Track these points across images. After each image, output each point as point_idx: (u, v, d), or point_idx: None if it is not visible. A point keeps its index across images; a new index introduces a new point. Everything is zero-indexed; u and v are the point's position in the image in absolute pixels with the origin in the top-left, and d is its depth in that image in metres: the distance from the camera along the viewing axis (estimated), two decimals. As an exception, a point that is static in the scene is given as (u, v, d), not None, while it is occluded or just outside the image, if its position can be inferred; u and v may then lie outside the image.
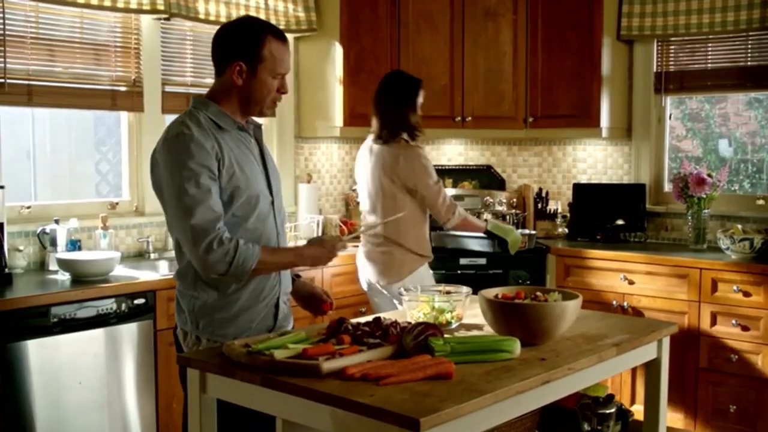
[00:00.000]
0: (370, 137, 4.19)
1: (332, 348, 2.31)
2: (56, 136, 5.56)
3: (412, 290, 2.95)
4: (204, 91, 4.54)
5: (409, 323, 2.54)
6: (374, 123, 4.15)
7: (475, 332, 2.74)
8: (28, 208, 4.12)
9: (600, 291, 4.83)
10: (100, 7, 4.17)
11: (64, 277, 3.78)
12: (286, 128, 5.31)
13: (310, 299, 2.91)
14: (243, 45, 2.60)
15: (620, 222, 5.27)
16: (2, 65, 3.92)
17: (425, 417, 1.90)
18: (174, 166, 2.50)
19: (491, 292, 2.70)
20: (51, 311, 3.44)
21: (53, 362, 3.47)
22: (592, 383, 2.65)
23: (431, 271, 4.16)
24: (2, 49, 3.91)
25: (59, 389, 3.49)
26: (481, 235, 4.44)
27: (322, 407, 2.09)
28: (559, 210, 5.56)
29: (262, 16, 4.87)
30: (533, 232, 5.11)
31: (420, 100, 4.17)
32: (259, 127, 2.79)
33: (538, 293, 2.69)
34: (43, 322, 3.42)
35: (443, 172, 5.81)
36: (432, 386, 2.12)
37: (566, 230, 5.43)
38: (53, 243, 3.98)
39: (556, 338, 2.60)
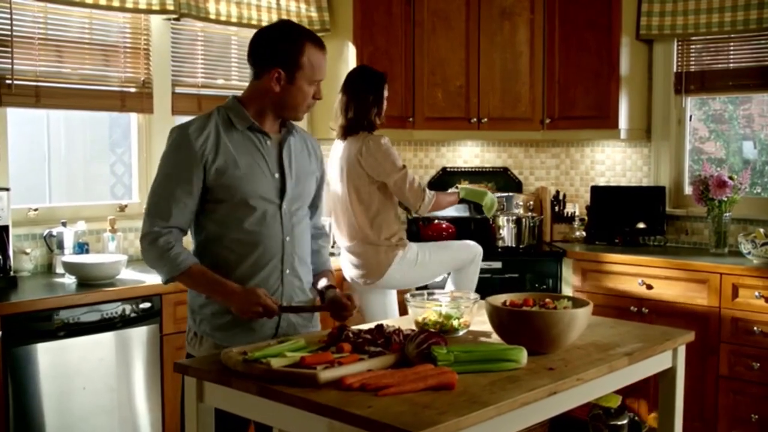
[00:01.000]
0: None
1: (331, 356, 2.24)
2: (71, 137, 5.52)
3: (418, 295, 2.87)
4: (214, 92, 4.53)
5: (413, 331, 2.46)
6: (339, 119, 4.13)
7: (482, 340, 2.66)
8: (36, 210, 4.08)
9: (617, 296, 4.73)
10: (109, 8, 4.12)
11: (70, 280, 3.73)
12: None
13: (332, 304, 2.75)
14: (282, 52, 2.59)
15: (640, 225, 5.16)
16: (9, 66, 3.89)
17: (423, 430, 1.82)
18: (162, 156, 2.62)
19: (499, 299, 2.62)
20: (56, 315, 3.39)
21: (59, 366, 3.42)
22: (602, 394, 2.57)
23: (417, 256, 4.10)
24: (9, 50, 3.88)
25: (65, 393, 3.44)
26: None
27: (319, 418, 2.02)
28: (577, 213, 5.46)
29: (274, 17, 4.82)
30: (510, 194, 5.20)
31: (386, 93, 4.15)
32: (291, 131, 2.73)
33: (548, 300, 2.60)
34: (47, 326, 3.37)
35: (459, 174, 5.73)
36: (433, 397, 2.05)
37: (584, 234, 5.33)
38: (60, 246, 3.94)
39: (565, 347, 2.51)
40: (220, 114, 2.64)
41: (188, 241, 2.64)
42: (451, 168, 5.80)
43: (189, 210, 2.59)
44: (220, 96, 4.82)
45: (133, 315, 3.62)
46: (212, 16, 4.55)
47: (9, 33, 3.90)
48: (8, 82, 3.88)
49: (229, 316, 2.58)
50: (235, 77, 4.92)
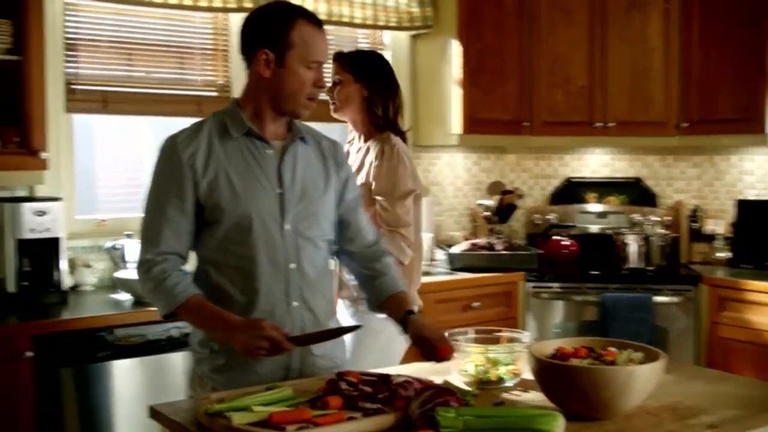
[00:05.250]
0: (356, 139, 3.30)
1: (308, 414, 1.79)
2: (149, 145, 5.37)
3: (459, 333, 2.37)
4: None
5: (429, 384, 1.98)
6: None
7: (518, 399, 2.13)
8: (104, 221, 3.88)
9: (761, 331, 4.00)
10: (182, 6, 3.86)
11: (125, 297, 3.48)
12: (402, 136, 4.82)
13: (421, 342, 2.26)
14: (268, 30, 2.22)
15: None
16: (75, 71, 3.70)
17: None
18: (152, 171, 2.28)
19: (548, 346, 2.09)
20: (102, 334, 3.14)
21: (100, 389, 3.17)
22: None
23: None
24: (74, 54, 3.70)
25: (106, 419, 3.19)
26: None
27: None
28: (720, 231, 4.73)
29: (369, 13, 4.44)
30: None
31: None
32: (298, 135, 2.32)
33: (610, 350, 2.05)
34: (91, 346, 3.13)
35: (586, 186, 5.14)
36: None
37: (727, 255, 4.60)
38: (123, 259, 3.70)
39: (626, 411, 1.95)
40: (215, 119, 2.28)
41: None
42: (576, 178, 5.20)
43: (184, 231, 2.23)
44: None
45: (179, 337, 3.31)
46: (298, 14, 4.20)
47: (74, 36, 3.73)
48: (74, 87, 3.71)
49: (226, 356, 2.20)
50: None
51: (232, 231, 2.20)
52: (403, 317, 2.33)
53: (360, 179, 3.04)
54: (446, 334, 2.32)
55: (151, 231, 2.24)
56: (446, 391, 1.87)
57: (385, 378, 1.99)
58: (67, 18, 3.70)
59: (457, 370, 2.25)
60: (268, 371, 2.20)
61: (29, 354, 2.99)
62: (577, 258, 4.70)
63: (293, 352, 2.20)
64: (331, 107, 3.17)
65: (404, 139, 3.19)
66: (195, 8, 3.90)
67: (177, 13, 3.97)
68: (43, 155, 3.33)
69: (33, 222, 3.34)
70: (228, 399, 1.93)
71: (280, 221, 2.23)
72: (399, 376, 2.01)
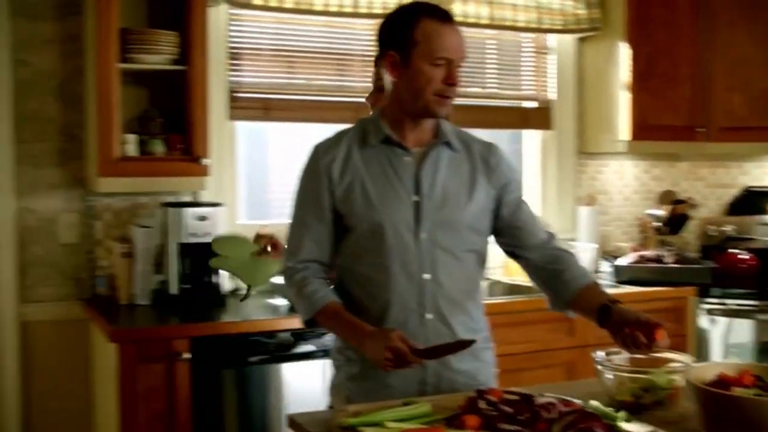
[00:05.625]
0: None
1: (442, 433, 1.72)
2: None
3: (615, 356, 2.21)
4: (465, 101, 4.16)
5: (574, 407, 1.85)
6: None
7: (685, 426, 1.96)
8: (265, 226, 3.94)
9: None
10: (341, 14, 3.87)
11: (282, 302, 3.51)
12: (566, 142, 4.65)
13: (628, 332, 2.06)
14: (393, 31, 2.18)
15: None
16: (238, 79, 3.80)
17: None
18: (298, 180, 2.30)
19: (709, 371, 1.91)
20: (255, 339, 3.18)
21: (254, 392, 3.22)
22: None
23: None
24: (237, 62, 3.80)
25: (260, 422, 3.23)
26: None
27: None
28: None
29: (533, 16, 4.30)
30: None
31: None
32: (443, 141, 2.24)
33: (781, 376, 1.85)
34: (246, 349, 3.17)
35: (767, 195, 4.78)
36: None
37: None
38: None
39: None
40: (358, 127, 2.26)
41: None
42: (756, 188, 4.85)
43: (324, 239, 2.22)
44: (475, 106, 4.41)
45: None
46: (458, 18, 4.12)
47: (240, 45, 3.83)
48: (237, 95, 3.80)
49: (360, 366, 2.16)
50: (494, 85, 4.47)
51: (364, 240, 2.16)
52: (602, 309, 2.15)
53: None
54: (597, 353, 2.18)
55: (293, 239, 2.27)
56: (591, 415, 1.74)
57: (528, 398, 1.88)
58: (231, 28, 3.80)
59: (609, 393, 2.10)
60: (401, 384, 2.14)
61: (187, 355, 3.07)
62: (756, 273, 4.37)
63: (427, 365, 2.13)
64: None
65: None
66: (355, 15, 3.91)
67: (338, 21, 3.98)
68: (205, 162, 3.43)
69: (194, 226, 3.44)
70: (365, 412, 1.88)
71: (415, 230, 2.15)
72: (543, 396, 1.90)
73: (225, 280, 3.59)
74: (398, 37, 2.15)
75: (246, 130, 4.00)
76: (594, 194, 4.65)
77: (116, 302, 3.49)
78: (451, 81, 2.14)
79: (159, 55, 3.38)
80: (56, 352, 3.55)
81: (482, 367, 2.27)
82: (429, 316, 2.16)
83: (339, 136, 2.26)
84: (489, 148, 2.33)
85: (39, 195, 3.53)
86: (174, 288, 3.43)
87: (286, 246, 2.31)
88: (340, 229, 2.22)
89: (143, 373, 3.02)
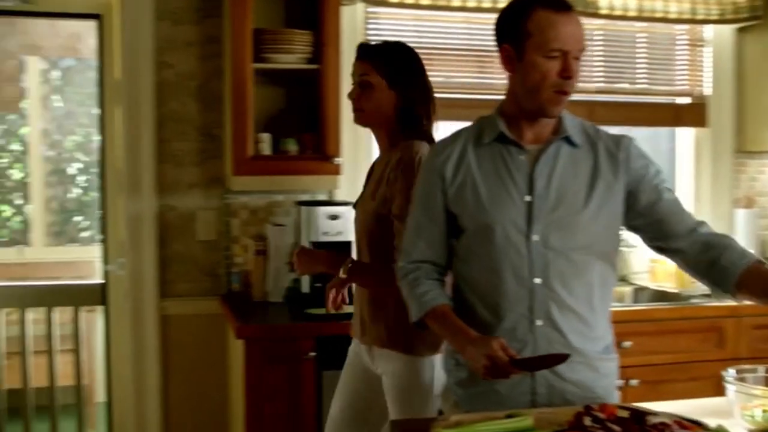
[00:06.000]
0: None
1: (539, 451, 1.61)
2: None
3: (749, 375, 2.02)
4: (612, 98, 4.15)
5: (691, 428, 1.69)
6: None
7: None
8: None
9: None
10: (479, 9, 3.80)
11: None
12: (723, 140, 4.34)
13: None
14: (507, 24, 2.08)
15: None
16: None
17: None
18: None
19: None
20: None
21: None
22: None
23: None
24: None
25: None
26: None
27: None
28: None
29: (687, 6, 4.06)
30: None
31: None
32: (562, 137, 2.09)
33: None
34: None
35: None
36: None
37: None
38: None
39: None
40: (476, 125, 2.18)
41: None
42: None
43: (436, 239, 2.16)
44: (624, 103, 4.21)
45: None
46: (603, 11, 3.95)
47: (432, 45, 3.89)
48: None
49: (468, 371, 2.07)
50: (644, 81, 4.25)
51: (474, 241, 2.08)
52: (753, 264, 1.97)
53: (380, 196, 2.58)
54: (727, 371, 1.99)
55: (407, 238, 2.23)
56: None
57: (640, 416, 1.74)
58: (369, 25, 3.78)
59: (741, 414, 1.92)
60: (511, 393, 2.04)
61: (312, 354, 3.07)
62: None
63: (536, 374, 2.02)
64: (354, 116, 2.68)
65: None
66: (494, 11, 3.80)
67: (476, 17, 3.89)
68: (337, 160, 3.42)
69: (326, 225, 3.45)
70: (465, 422, 1.80)
71: (526, 231, 2.03)
72: (657, 415, 1.75)
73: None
74: (512, 30, 2.04)
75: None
76: (753, 196, 4.34)
77: (250, 299, 3.56)
78: (567, 74, 2.00)
79: (293, 54, 3.41)
80: (194, 346, 3.66)
81: (599, 378, 2.11)
82: (539, 322, 2.03)
83: (457, 134, 2.19)
84: (617, 141, 2.14)
85: (179, 193, 3.64)
86: (306, 286, 3.45)
87: (402, 245, 2.26)
88: (455, 229, 2.15)
89: (268, 370, 3.05)
